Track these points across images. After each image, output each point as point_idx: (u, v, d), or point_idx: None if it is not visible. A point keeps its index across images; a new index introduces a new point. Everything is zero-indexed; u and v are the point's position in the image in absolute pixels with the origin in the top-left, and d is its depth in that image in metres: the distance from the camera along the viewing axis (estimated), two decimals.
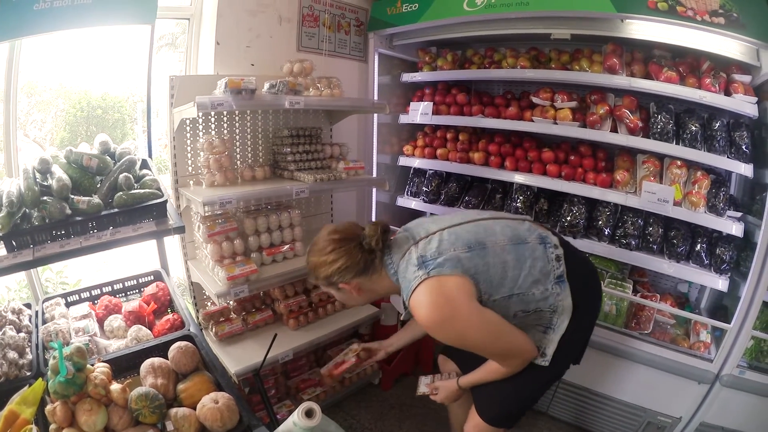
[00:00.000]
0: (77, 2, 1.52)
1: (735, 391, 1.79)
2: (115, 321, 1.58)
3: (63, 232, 1.29)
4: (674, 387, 1.87)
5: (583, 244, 1.99)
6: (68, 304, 1.67)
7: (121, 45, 2.11)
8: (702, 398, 1.85)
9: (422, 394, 1.43)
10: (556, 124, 2.06)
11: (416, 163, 2.60)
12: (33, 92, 2.47)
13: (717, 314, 2.00)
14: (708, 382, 1.81)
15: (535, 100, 2.13)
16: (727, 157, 1.82)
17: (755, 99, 1.79)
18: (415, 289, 1.06)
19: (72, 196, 1.32)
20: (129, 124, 2.74)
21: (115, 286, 1.82)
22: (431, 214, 2.76)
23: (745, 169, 1.76)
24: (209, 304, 1.96)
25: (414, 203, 2.61)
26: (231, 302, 1.94)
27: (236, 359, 1.71)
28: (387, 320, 2.21)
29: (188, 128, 1.82)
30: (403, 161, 2.68)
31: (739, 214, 1.84)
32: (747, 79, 1.87)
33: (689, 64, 1.94)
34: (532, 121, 2.14)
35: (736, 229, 1.76)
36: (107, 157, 1.52)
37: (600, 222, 2.02)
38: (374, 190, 2.67)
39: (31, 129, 2.58)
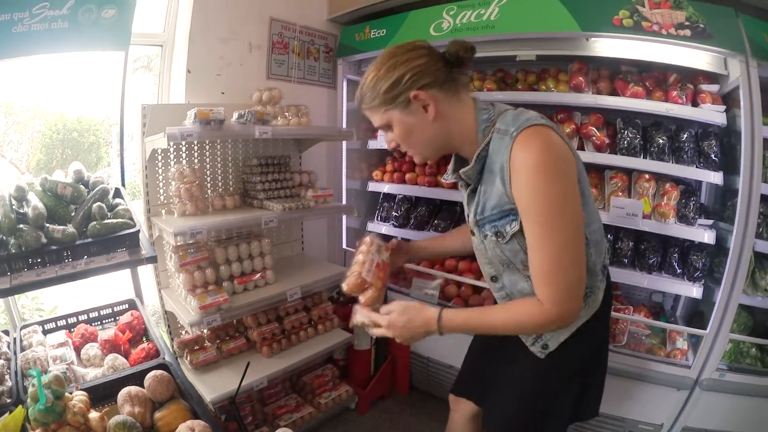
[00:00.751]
0: (54, 26, 1.73)
1: (716, 394, 1.98)
2: (92, 349, 1.76)
3: (39, 260, 1.44)
4: (653, 395, 2.05)
5: None
6: (45, 332, 1.84)
7: (96, 67, 2.28)
8: (683, 404, 2.03)
9: (360, 324, 1.17)
10: None
11: (386, 188, 2.80)
12: (10, 112, 2.62)
13: (693, 320, 2.21)
14: (687, 387, 1.99)
15: None
16: (696, 166, 2.03)
17: (723, 107, 2.01)
18: (532, 126, 0.96)
19: (47, 225, 1.48)
20: (104, 147, 2.88)
21: (90, 314, 1.99)
22: (403, 239, 3.01)
23: (715, 177, 1.97)
24: (184, 332, 2.15)
25: (384, 228, 2.83)
26: (205, 331, 2.12)
27: (212, 387, 1.87)
28: (360, 345, 2.39)
29: (160, 157, 2.03)
30: (372, 186, 2.90)
31: (710, 222, 2.05)
32: (715, 88, 2.09)
33: (656, 77, 2.17)
34: None
35: (708, 237, 1.95)
36: (81, 186, 1.70)
37: None
38: (344, 216, 2.90)
39: (7, 150, 2.72)
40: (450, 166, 1.23)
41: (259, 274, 2.05)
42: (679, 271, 2.06)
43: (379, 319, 1.11)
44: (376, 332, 1.12)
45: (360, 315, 1.15)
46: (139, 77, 2.66)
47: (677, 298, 2.36)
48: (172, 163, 2.07)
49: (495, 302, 1.27)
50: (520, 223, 0.99)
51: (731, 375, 1.97)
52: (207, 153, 2.18)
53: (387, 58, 1.02)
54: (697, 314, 2.23)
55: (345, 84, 2.80)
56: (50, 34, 1.73)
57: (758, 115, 1.88)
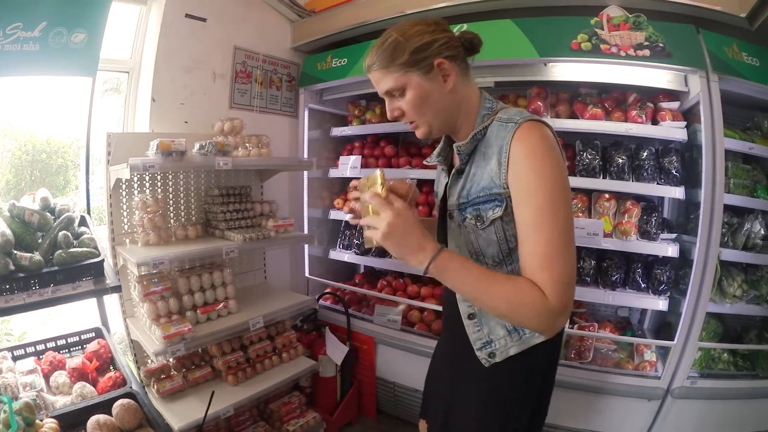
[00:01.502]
0: (26, 48, 1.94)
1: (689, 401, 2.21)
2: (60, 377, 1.94)
3: (7, 287, 1.60)
4: (624, 407, 2.27)
5: None
6: (14, 358, 2.02)
7: (66, 88, 2.49)
8: (655, 413, 2.25)
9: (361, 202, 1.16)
10: None
11: (347, 216, 3.04)
12: None
13: (662, 332, 2.44)
14: (658, 397, 2.22)
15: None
16: (657, 183, 2.28)
17: (684, 123, 2.27)
18: (537, 120, 1.07)
19: (15, 252, 1.67)
20: (72, 170, 3.03)
21: (58, 341, 2.19)
22: (365, 266, 3.34)
23: (677, 192, 2.21)
24: (150, 361, 2.34)
25: (347, 256, 3.10)
26: (170, 360, 2.31)
27: (179, 416, 2.03)
28: (326, 372, 2.61)
29: (124, 186, 2.26)
30: (333, 215, 3.17)
31: (673, 236, 2.29)
32: (675, 105, 2.36)
33: (616, 98, 2.43)
34: None
35: (671, 251, 2.20)
36: (48, 213, 1.91)
37: None
38: (306, 245, 3.16)
39: None
40: (437, 150, 1.34)
41: (222, 304, 2.26)
42: (643, 285, 2.30)
43: (385, 207, 1.02)
44: (367, 221, 1.07)
45: (368, 195, 1.07)
46: (108, 99, 2.87)
47: (644, 311, 2.62)
48: (136, 192, 2.30)
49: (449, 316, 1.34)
50: (504, 209, 1.07)
51: (703, 381, 2.21)
52: (170, 183, 2.42)
53: (411, 25, 1.11)
54: (665, 325, 2.47)
55: (307, 113, 3.09)
56: (22, 56, 1.94)
57: (719, 127, 2.12)
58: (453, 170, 1.22)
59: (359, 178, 1.21)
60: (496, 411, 1.23)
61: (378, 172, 1.09)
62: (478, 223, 1.13)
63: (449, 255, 1.03)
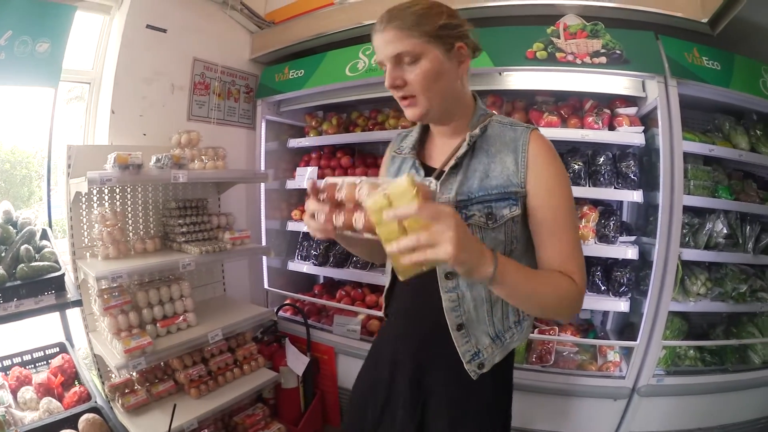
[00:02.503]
0: None
1: (657, 398, 2.43)
2: (27, 393, 2.10)
3: None
4: (590, 408, 2.49)
5: None
6: None
7: (30, 97, 2.67)
8: (622, 412, 2.48)
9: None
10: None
11: (305, 227, 3.26)
12: None
13: (625, 332, 2.68)
14: (624, 397, 2.44)
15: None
16: (614, 187, 2.50)
17: (641, 128, 2.50)
18: (536, 128, 1.24)
19: None
20: (36, 181, 3.17)
21: (24, 357, 2.37)
22: (324, 277, 3.56)
23: (635, 196, 2.44)
24: (113, 376, 2.52)
25: (305, 267, 3.33)
26: (134, 374, 2.49)
27: (144, 430, 2.19)
28: (288, 383, 2.82)
29: (84, 199, 2.44)
30: (291, 226, 3.42)
31: (633, 238, 2.53)
32: (632, 110, 2.60)
33: (572, 105, 2.67)
34: None
35: (631, 253, 2.42)
36: (10, 227, 2.08)
37: None
38: (264, 257, 3.38)
39: None
40: (411, 141, 1.37)
41: (181, 317, 2.45)
42: (603, 288, 2.53)
43: (441, 215, 0.88)
44: (413, 240, 0.87)
45: (406, 209, 0.87)
46: (74, 107, 3.04)
47: (606, 313, 2.85)
48: (95, 205, 2.49)
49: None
50: (522, 209, 1.17)
51: (670, 379, 2.44)
52: (129, 196, 2.61)
53: (440, 4, 1.18)
54: (628, 326, 2.70)
55: (264, 124, 3.34)
56: None
57: (678, 131, 2.35)
58: (448, 165, 1.23)
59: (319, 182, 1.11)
60: (496, 421, 1.33)
61: (406, 179, 0.88)
62: (489, 222, 1.17)
63: (501, 255, 1.02)
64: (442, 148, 1.31)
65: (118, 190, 2.58)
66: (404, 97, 1.18)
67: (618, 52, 2.39)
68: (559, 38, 2.45)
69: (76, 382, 2.30)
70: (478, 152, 1.22)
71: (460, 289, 1.23)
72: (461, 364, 1.24)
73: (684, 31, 2.48)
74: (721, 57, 2.45)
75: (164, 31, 2.83)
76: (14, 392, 2.15)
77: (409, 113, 1.21)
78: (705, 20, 2.40)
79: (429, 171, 1.29)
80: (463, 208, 1.18)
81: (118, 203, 2.58)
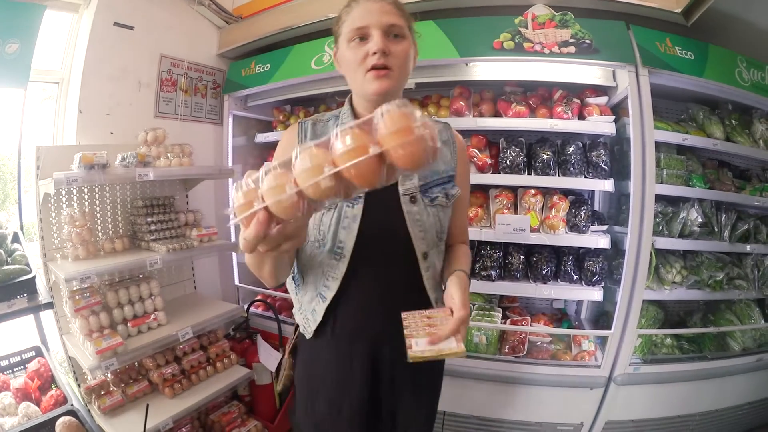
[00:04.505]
0: None
1: (635, 387, 2.51)
2: (6, 398, 2.16)
3: None
4: (566, 397, 2.57)
5: None
6: None
7: (1, 99, 2.67)
8: (599, 401, 2.57)
9: (420, 358, 1.04)
10: None
11: None
12: None
13: (600, 321, 2.76)
14: (600, 386, 2.53)
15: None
16: (585, 176, 2.57)
17: (612, 118, 2.56)
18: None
19: None
20: (12, 183, 3.17)
21: (1, 362, 2.42)
22: None
23: (606, 185, 2.51)
24: (89, 378, 2.59)
25: None
26: (108, 375, 2.55)
27: (121, 431, 2.28)
28: (261, 380, 2.89)
29: (53, 201, 2.49)
30: None
31: (604, 227, 2.59)
32: (603, 100, 2.66)
33: (541, 95, 2.72)
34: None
35: (603, 242, 2.49)
36: None
37: None
38: (234, 253, 3.45)
39: None
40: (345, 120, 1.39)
41: (152, 316, 2.52)
42: (575, 277, 2.60)
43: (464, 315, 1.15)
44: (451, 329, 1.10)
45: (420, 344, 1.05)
46: (47, 106, 3.06)
47: (580, 302, 2.93)
48: (64, 206, 2.54)
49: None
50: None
51: (647, 367, 2.53)
52: (97, 196, 2.67)
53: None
54: (603, 315, 2.79)
55: (231, 120, 3.40)
56: None
57: (649, 120, 2.41)
58: None
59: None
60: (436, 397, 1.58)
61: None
62: (448, 201, 1.39)
63: (459, 272, 1.33)
64: None
65: (86, 190, 2.63)
66: (383, 67, 1.22)
67: (587, 41, 2.45)
68: (527, 28, 2.50)
69: (53, 386, 2.35)
70: None
71: (432, 268, 1.39)
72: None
73: (658, 22, 2.54)
74: (695, 47, 2.50)
75: (131, 28, 2.88)
76: None
77: (378, 84, 1.23)
78: (679, 11, 2.47)
79: None
80: (427, 191, 1.36)
81: (86, 203, 2.64)
